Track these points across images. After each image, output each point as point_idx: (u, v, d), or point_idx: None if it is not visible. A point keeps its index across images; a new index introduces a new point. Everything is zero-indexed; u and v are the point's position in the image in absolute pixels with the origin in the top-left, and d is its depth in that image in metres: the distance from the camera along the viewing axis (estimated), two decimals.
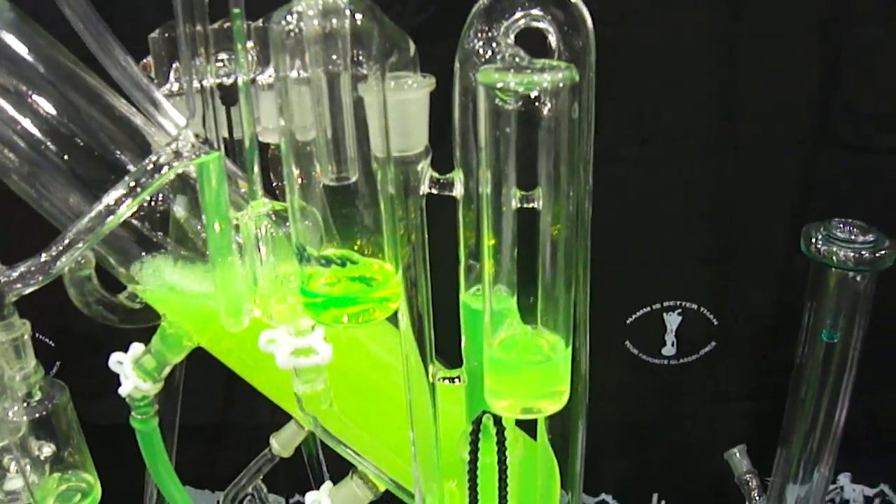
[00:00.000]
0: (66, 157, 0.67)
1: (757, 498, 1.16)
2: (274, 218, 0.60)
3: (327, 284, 0.53)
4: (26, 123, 0.66)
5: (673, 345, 1.24)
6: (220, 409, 1.23)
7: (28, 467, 0.71)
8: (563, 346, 0.56)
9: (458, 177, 0.58)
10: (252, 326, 0.62)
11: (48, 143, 0.67)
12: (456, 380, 0.64)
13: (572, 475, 0.74)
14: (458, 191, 0.58)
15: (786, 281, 1.16)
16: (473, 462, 0.63)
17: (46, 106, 0.66)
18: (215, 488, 1.14)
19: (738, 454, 1.20)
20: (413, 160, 0.57)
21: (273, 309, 0.60)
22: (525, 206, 0.54)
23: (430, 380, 0.63)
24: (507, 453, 0.62)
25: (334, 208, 0.53)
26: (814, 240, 0.92)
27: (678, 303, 1.21)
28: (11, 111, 0.66)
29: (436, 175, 0.58)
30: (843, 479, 1.39)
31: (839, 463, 1.19)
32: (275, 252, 0.60)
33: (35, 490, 0.72)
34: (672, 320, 1.23)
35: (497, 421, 0.61)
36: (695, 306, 1.21)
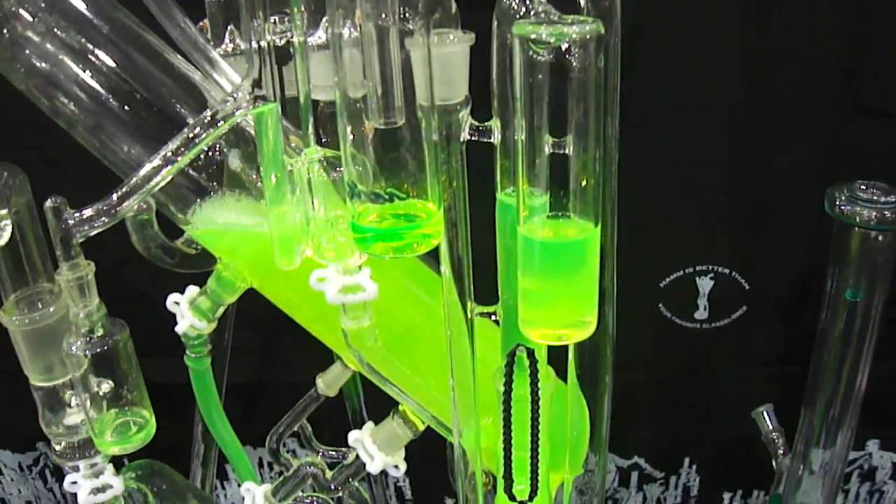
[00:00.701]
0: (127, 110, 0.72)
1: (782, 456, 1.18)
2: (325, 164, 0.65)
3: (375, 220, 0.58)
4: (90, 79, 0.71)
5: (705, 308, 1.27)
6: (259, 368, 1.27)
7: (88, 402, 0.75)
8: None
9: (495, 125, 0.63)
10: (302, 267, 0.66)
11: (111, 98, 0.72)
12: (492, 315, 0.68)
13: (599, 435, 0.77)
14: (495, 138, 0.63)
15: (815, 247, 1.18)
16: (508, 393, 0.67)
17: (109, 62, 0.71)
18: (256, 444, 1.17)
19: (765, 413, 1.23)
20: (454, 108, 0.62)
21: (324, 248, 0.64)
22: (557, 151, 0.58)
23: (469, 315, 0.67)
24: (539, 385, 0.66)
25: (382, 154, 0.57)
26: (837, 201, 0.94)
27: (710, 267, 1.24)
28: (76, 68, 0.71)
29: (475, 123, 0.63)
30: (872, 445, 1.41)
31: (868, 430, 1.23)
32: (326, 196, 0.65)
33: (94, 424, 0.75)
34: (704, 284, 1.25)
35: (530, 353, 0.66)
36: (727, 271, 1.24)
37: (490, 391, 0.72)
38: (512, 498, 0.72)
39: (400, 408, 0.83)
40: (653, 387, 1.36)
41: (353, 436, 0.84)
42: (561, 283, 0.60)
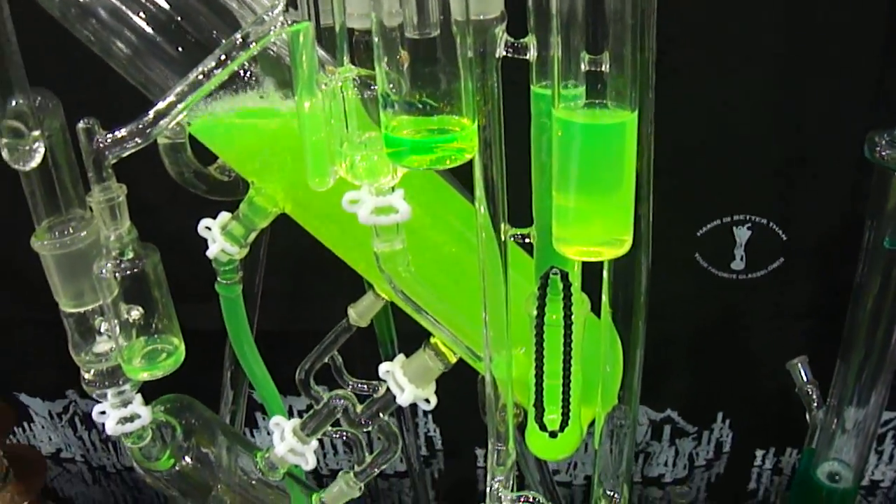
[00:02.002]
0: (163, 36, 0.72)
1: (816, 409, 1.17)
2: (359, 82, 0.64)
3: (409, 134, 0.57)
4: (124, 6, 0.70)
5: (742, 259, 1.25)
6: (286, 315, 1.27)
7: (117, 328, 0.75)
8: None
9: (531, 42, 0.61)
10: (335, 190, 0.66)
11: (146, 26, 0.71)
12: (526, 238, 0.67)
13: (632, 372, 0.76)
14: (531, 55, 0.62)
15: (855, 198, 1.17)
16: (540, 318, 0.66)
17: None
18: (285, 393, 1.17)
19: (800, 365, 1.22)
20: (490, 24, 0.60)
21: (357, 166, 0.63)
22: (592, 69, 0.57)
23: (502, 237, 0.66)
24: (572, 310, 0.65)
25: (417, 69, 0.56)
26: (878, 146, 0.93)
27: (748, 217, 1.22)
28: None
29: (510, 39, 0.61)
30: None
31: None
32: (360, 114, 0.64)
33: (122, 350, 0.75)
34: (742, 234, 1.24)
35: (564, 277, 0.65)
36: (764, 221, 1.22)
37: (523, 322, 0.71)
38: (543, 428, 0.71)
39: (431, 340, 0.83)
40: (687, 338, 1.35)
41: (384, 367, 0.83)
42: (596, 182, 0.59)
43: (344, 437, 0.91)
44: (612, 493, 0.80)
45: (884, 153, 0.95)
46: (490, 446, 0.76)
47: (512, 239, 0.68)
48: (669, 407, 1.44)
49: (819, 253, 1.27)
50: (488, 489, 0.78)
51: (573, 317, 0.66)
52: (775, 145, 1.19)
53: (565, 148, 0.58)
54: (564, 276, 0.65)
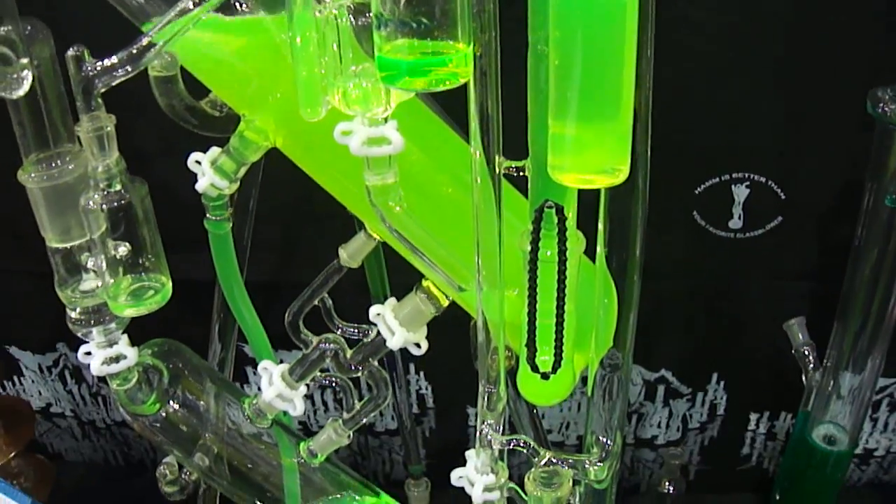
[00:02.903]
0: None
1: (812, 371, 1.16)
2: (353, 9, 0.62)
3: (404, 55, 0.55)
4: None
5: (740, 217, 1.24)
6: (277, 266, 1.26)
7: (104, 264, 0.74)
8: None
9: None
10: (327, 122, 0.64)
11: None
12: (520, 171, 0.65)
13: (625, 327, 0.75)
14: None
15: (855, 158, 1.15)
16: (534, 253, 0.64)
17: None
18: (277, 347, 1.16)
19: (796, 325, 1.21)
20: None
21: (350, 94, 0.62)
22: None
23: (497, 170, 0.64)
24: (567, 245, 0.64)
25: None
26: (881, 101, 0.92)
27: (746, 175, 1.21)
28: None
29: None
30: None
31: None
32: (353, 43, 0.62)
33: (109, 288, 0.74)
34: (740, 192, 1.22)
35: (559, 210, 0.63)
36: (763, 179, 1.21)
37: (517, 264, 0.70)
38: (535, 369, 0.70)
39: (423, 283, 0.81)
40: (683, 297, 1.34)
41: (374, 310, 0.82)
42: (594, 106, 0.57)
43: (333, 383, 0.89)
44: (604, 440, 0.78)
45: (887, 108, 0.94)
46: (481, 389, 0.75)
47: (506, 171, 0.66)
48: (664, 367, 1.43)
49: (818, 213, 1.25)
50: (478, 434, 0.76)
51: (567, 253, 0.65)
52: (775, 102, 1.17)
53: (564, 65, 0.57)
54: (559, 210, 0.63)
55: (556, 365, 0.69)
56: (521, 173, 0.67)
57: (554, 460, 0.77)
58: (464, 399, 1.50)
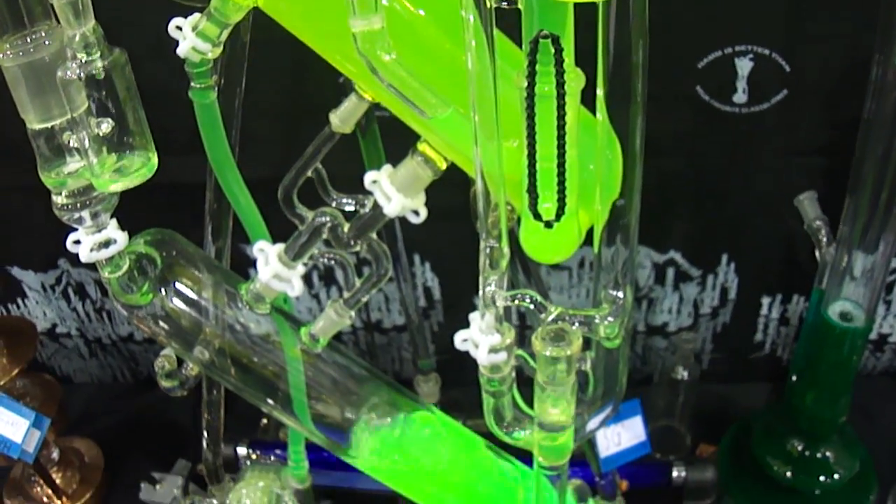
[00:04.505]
0: None
1: (826, 246, 1.14)
2: None
3: None
4: None
5: (744, 91, 1.21)
6: (275, 162, 1.24)
7: (87, 142, 0.71)
8: None
9: None
10: None
11: None
12: (513, 2, 0.62)
13: (632, 174, 0.72)
14: None
15: (861, 29, 1.12)
16: (531, 87, 0.61)
17: None
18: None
19: (807, 200, 1.18)
20: None
21: None
22: None
23: (488, 4, 0.61)
24: (565, 77, 0.61)
25: None
26: None
27: (749, 47, 1.18)
28: None
29: None
30: None
31: None
32: None
33: (93, 166, 0.72)
34: (743, 65, 1.19)
35: (555, 41, 0.60)
36: (766, 51, 1.18)
37: (515, 114, 0.66)
38: (537, 217, 0.67)
39: (419, 147, 0.78)
40: (689, 175, 1.31)
41: (370, 177, 0.79)
42: None
43: (331, 260, 0.87)
44: (614, 294, 0.76)
45: None
46: (482, 246, 0.72)
47: (497, 5, 0.62)
48: (672, 248, 1.40)
49: (825, 85, 1.22)
50: (481, 293, 0.74)
51: (566, 87, 0.61)
52: None
53: None
54: (555, 41, 0.60)
55: (560, 212, 0.66)
56: (513, 4, 0.63)
57: (563, 317, 0.74)
58: (472, 291, 1.47)
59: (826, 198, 1.19)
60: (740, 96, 1.22)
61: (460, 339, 0.76)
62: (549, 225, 0.67)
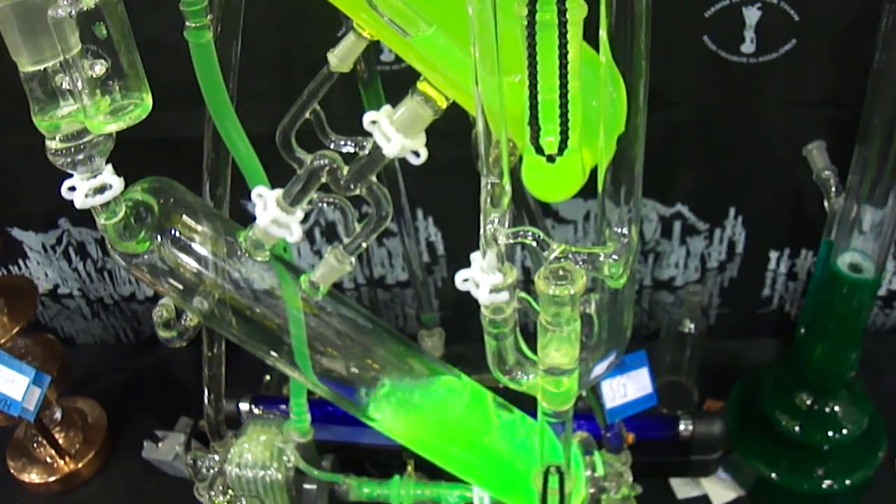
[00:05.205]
0: None
1: (835, 196, 1.12)
2: None
3: None
4: None
5: (752, 41, 1.20)
6: (276, 118, 1.22)
7: (80, 84, 0.70)
8: None
9: None
10: None
11: None
12: None
13: (636, 112, 0.70)
14: None
15: None
16: (532, 15, 0.59)
17: None
18: None
19: (816, 150, 1.17)
20: None
21: None
22: None
23: None
24: (567, 4, 0.59)
25: None
26: None
27: None
28: None
29: None
30: None
31: None
32: None
33: (87, 108, 0.71)
34: (751, 15, 1.18)
35: None
36: (774, 0, 1.16)
37: (516, 49, 0.64)
38: (539, 150, 0.65)
39: (419, 86, 0.76)
40: (697, 127, 1.29)
41: (369, 117, 0.77)
42: None
43: (330, 205, 0.85)
44: (619, 231, 0.74)
45: None
46: (483, 183, 0.70)
47: None
48: (679, 201, 1.39)
49: (834, 35, 1.20)
50: (482, 231, 0.72)
51: (567, 15, 0.59)
52: None
53: None
54: None
55: (562, 145, 0.64)
56: None
57: (567, 255, 0.73)
58: (475, 245, 1.46)
59: (835, 149, 1.17)
60: (748, 46, 1.21)
61: (461, 279, 0.75)
62: (551, 159, 0.65)
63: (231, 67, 0.88)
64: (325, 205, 0.84)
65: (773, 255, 1.46)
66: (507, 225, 0.71)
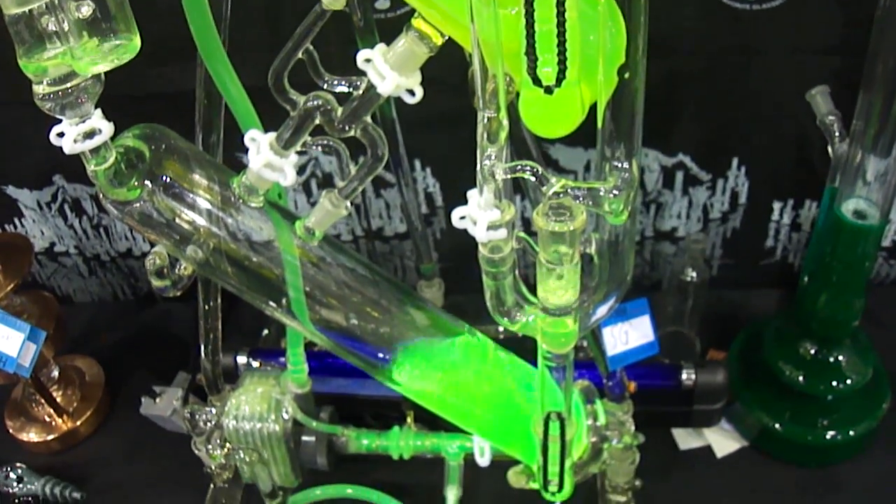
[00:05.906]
0: None
1: (839, 142, 1.10)
2: None
3: None
4: None
5: None
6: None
7: (66, 25, 0.68)
8: None
9: None
10: None
11: None
12: None
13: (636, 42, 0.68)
14: None
15: None
16: None
17: None
18: None
19: (819, 95, 1.15)
20: None
21: None
22: None
23: None
24: None
25: None
26: None
27: None
28: None
29: None
30: None
31: None
32: None
33: (75, 50, 0.69)
34: None
35: None
36: None
37: None
38: (537, 82, 0.63)
39: (413, 22, 0.74)
40: (699, 75, 1.28)
41: (363, 55, 0.75)
42: None
43: (324, 147, 0.83)
44: (619, 165, 0.72)
45: None
46: (479, 117, 0.69)
47: None
48: (681, 151, 1.37)
49: None
50: (479, 167, 0.71)
51: None
52: None
53: None
54: None
55: (560, 76, 0.63)
56: None
57: (566, 190, 0.71)
58: None
59: (839, 97, 1.16)
60: None
61: (458, 217, 0.73)
62: (549, 91, 0.64)
63: (222, 18, 0.87)
64: (319, 148, 0.83)
65: (777, 205, 1.45)
66: (504, 158, 0.70)
